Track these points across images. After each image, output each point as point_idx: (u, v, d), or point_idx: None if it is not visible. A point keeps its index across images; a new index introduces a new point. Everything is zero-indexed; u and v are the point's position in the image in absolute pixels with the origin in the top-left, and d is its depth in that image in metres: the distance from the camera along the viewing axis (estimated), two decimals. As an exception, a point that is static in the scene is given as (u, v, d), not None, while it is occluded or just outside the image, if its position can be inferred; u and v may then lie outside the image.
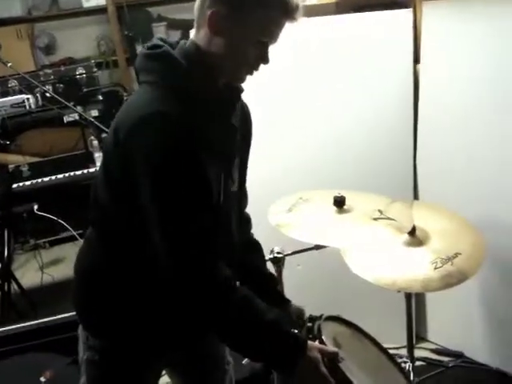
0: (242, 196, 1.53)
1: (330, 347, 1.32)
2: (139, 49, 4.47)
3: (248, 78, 1.31)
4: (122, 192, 1.25)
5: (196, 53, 1.25)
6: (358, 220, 1.65)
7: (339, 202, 1.68)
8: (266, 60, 1.27)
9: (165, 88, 1.22)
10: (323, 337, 1.33)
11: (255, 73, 1.29)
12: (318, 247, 1.81)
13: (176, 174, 1.17)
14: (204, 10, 1.22)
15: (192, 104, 1.21)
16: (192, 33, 1.29)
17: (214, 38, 1.23)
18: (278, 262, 1.85)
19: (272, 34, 1.24)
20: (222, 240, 1.32)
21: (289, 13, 1.21)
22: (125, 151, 1.19)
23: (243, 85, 1.36)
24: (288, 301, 1.56)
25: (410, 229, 1.69)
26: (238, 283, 1.26)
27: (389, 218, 1.62)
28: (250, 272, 1.52)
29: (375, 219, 1.62)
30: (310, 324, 1.39)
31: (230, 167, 1.36)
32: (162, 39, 1.30)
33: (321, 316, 1.43)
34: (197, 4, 1.25)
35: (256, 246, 1.61)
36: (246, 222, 1.60)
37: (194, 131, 1.18)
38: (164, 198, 1.18)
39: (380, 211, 1.64)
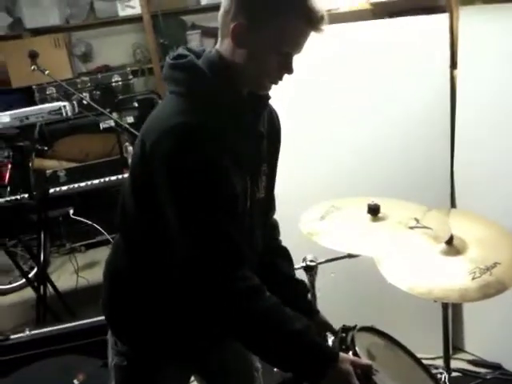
0: (269, 202, 1.52)
1: (364, 359, 1.29)
2: (173, 57, 4.52)
3: (274, 86, 1.30)
4: (147, 200, 1.27)
5: (220, 62, 1.26)
6: (393, 228, 1.62)
7: (374, 210, 1.66)
8: (289, 70, 1.26)
9: (190, 98, 1.23)
10: (357, 348, 1.31)
11: (280, 82, 1.29)
12: (350, 256, 1.79)
13: (197, 181, 1.18)
14: (227, 21, 1.23)
15: (217, 113, 1.22)
16: (217, 42, 1.30)
17: (237, 50, 1.24)
18: (311, 270, 1.83)
19: (295, 45, 1.23)
20: (246, 246, 1.31)
21: (313, 23, 1.20)
22: (150, 161, 1.21)
23: (272, 92, 1.35)
24: (317, 311, 1.54)
25: (446, 238, 1.66)
26: (266, 292, 1.24)
27: (425, 227, 1.59)
28: (278, 278, 1.51)
29: (411, 228, 1.59)
30: (343, 334, 1.37)
31: (256, 174, 1.36)
32: (187, 48, 1.32)
33: (354, 326, 1.41)
34: (220, 14, 1.26)
35: (284, 252, 1.59)
36: (273, 227, 1.59)
37: (218, 140, 1.19)
38: (184, 204, 1.19)
39: (416, 219, 1.62)
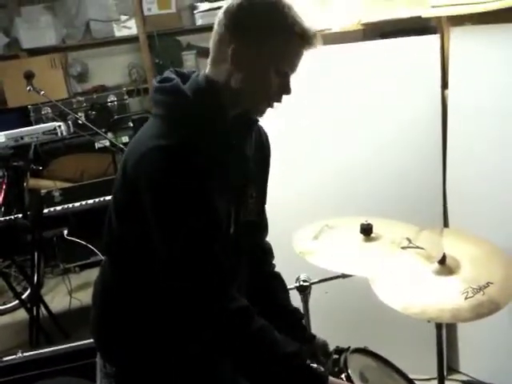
0: (260, 225, 1.52)
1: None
2: (169, 76, 4.55)
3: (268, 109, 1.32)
4: (130, 219, 1.28)
5: (207, 86, 1.27)
6: (385, 249, 1.62)
7: (366, 230, 1.66)
8: (287, 91, 1.28)
9: (171, 121, 1.24)
10: (349, 370, 1.31)
11: (276, 104, 1.30)
12: (344, 276, 1.78)
13: (176, 203, 1.19)
14: (222, 47, 1.24)
15: (198, 136, 1.22)
16: (207, 67, 1.31)
17: (235, 74, 1.25)
18: (304, 290, 1.83)
19: (292, 64, 1.26)
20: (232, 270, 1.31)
21: (307, 42, 1.23)
22: (131, 182, 1.23)
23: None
24: (313, 336, 1.54)
25: (439, 258, 1.66)
26: (255, 313, 1.25)
27: (418, 247, 1.59)
28: (274, 308, 1.51)
29: (403, 248, 1.59)
30: (336, 356, 1.37)
31: (242, 197, 1.37)
32: (175, 71, 1.33)
33: (348, 348, 1.40)
34: (213, 40, 1.27)
35: (277, 279, 1.59)
36: (267, 252, 1.59)
37: (197, 163, 1.20)
38: (166, 226, 1.20)
39: (409, 239, 1.62)
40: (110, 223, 1.35)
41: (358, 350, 1.46)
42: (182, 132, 1.22)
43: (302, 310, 1.72)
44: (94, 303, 1.46)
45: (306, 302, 1.84)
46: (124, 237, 1.32)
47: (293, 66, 1.27)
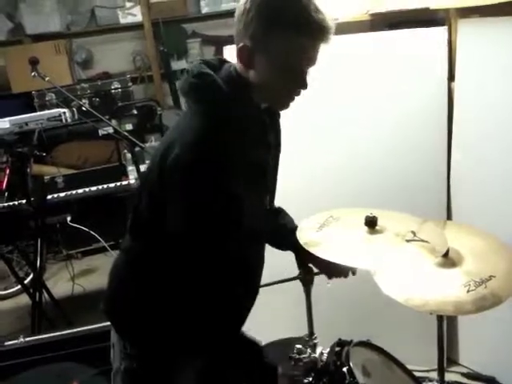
0: (270, 210, 1.55)
1: None
2: (174, 64, 4.54)
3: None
4: (162, 218, 1.27)
5: (238, 79, 1.27)
6: (390, 241, 1.61)
7: (371, 222, 1.64)
8: (304, 86, 1.27)
9: (209, 118, 1.23)
10: (351, 364, 1.31)
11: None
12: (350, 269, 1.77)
13: (203, 206, 1.20)
14: (237, 42, 1.24)
15: (237, 131, 1.23)
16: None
17: (247, 71, 1.25)
18: (308, 281, 1.81)
19: (307, 60, 1.24)
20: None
21: (321, 36, 1.20)
22: (168, 179, 1.22)
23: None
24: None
25: (444, 252, 1.64)
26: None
27: (422, 241, 1.58)
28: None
29: (408, 241, 1.59)
30: (338, 349, 1.37)
31: (274, 188, 1.40)
32: (205, 62, 1.30)
33: (350, 341, 1.40)
34: (235, 33, 1.26)
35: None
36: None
37: (237, 160, 1.21)
38: (199, 232, 1.22)
39: (413, 232, 1.61)
40: (138, 206, 1.34)
41: (360, 343, 1.46)
42: (219, 130, 1.21)
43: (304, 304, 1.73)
44: (111, 285, 1.45)
45: (308, 293, 1.83)
46: (156, 221, 1.30)
47: (310, 62, 1.24)
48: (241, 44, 1.22)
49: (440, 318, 1.87)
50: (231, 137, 1.21)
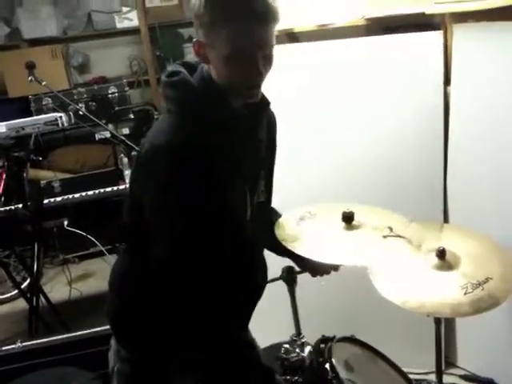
0: (267, 204, 1.54)
1: None
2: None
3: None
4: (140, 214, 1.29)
5: (210, 77, 1.29)
6: (366, 237, 1.59)
7: (347, 218, 1.62)
8: (257, 72, 1.23)
9: (181, 115, 1.26)
10: (333, 359, 1.30)
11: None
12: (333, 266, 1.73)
13: (180, 206, 1.21)
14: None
15: (209, 127, 1.24)
16: None
17: (208, 66, 1.28)
18: (291, 281, 1.78)
19: (254, 45, 1.21)
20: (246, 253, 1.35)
21: (259, 19, 1.18)
22: (143, 176, 1.26)
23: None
24: None
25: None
26: None
27: (399, 236, 1.57)
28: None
29: (384, 237, 1.57)
30: (322, 345, 1.37)
31: (255, 181, 1.39)
32: (182, 63, 1.34)
33: (333, 337, 1.40)
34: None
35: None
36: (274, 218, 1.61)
37: (208, 156, 1.21)
38: (177, 228, 1.23)
39: (390, 228, 1.59)
40: (128, 211, 1.37)
41: (345, 339, 1.46)
42: (192, 128, 1.23)
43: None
44: (112, 289, 1.46)
45: (292, 293, 1.79)
46: (141, 225, 1.32)
47: (254, 47, 1.21)
48: (194, 40, 1.26)
49: (438, 321, 1.87)
50: (201, 135, 1.22)
